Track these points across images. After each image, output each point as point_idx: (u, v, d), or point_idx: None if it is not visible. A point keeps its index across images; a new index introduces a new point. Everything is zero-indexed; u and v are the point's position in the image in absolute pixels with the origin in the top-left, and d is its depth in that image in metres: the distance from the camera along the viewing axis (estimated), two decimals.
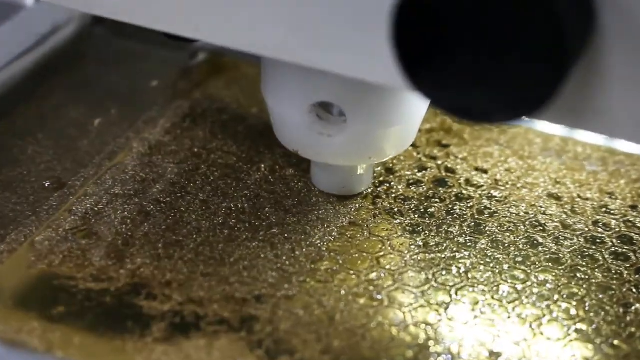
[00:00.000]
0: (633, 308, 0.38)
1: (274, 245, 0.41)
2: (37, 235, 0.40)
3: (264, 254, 0.40)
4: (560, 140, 0.48)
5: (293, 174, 0.44)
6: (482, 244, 0.41)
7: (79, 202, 0.42)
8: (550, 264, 0.40)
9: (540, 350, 0.36)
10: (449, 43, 0.29)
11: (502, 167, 0.46)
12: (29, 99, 0.48)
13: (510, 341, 0.37)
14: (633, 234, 0.41)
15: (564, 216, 0.43)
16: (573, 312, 0.38)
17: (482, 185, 0.45)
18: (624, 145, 0.46)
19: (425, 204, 0.43)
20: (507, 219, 0.42)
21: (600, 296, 0.39)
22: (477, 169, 0.46)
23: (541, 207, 0.43)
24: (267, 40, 0.33)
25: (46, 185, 0.43)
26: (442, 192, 0.44)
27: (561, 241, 0.41)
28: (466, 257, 0.40)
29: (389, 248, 0.41)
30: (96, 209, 0.42)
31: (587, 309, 0.38)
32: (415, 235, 0.41)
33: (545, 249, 0.41)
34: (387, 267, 0.40)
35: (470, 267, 0.40)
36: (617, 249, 0.41)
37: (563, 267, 0.40)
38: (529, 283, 0.39)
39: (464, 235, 0.41)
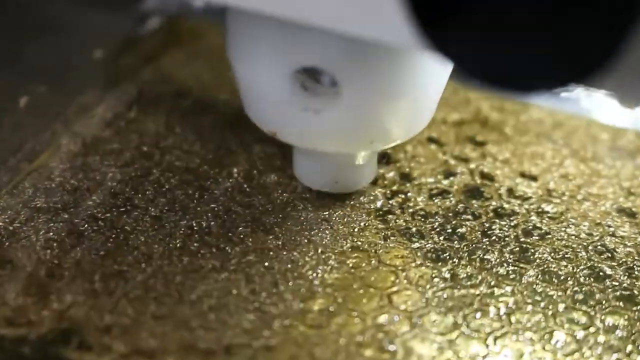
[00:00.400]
0: None
1: (250, 277, 0.39)
2: None
3: (237, 289, 0.38)
4: (635, 136, 0.47)
5: (276, 181, 0.43)
6: (530, 277, 0.39)
7: None
8: (620, 303, 0.39)
9: None
10: None
11: (556, 172, 0.44)
12: None
13: None
14: None
15: None
16: None
17: (530, 197, 0.43)
18: None
19: (454, 222, 0.42)
20: (564, 242, 0.41)
21: None
22: (523, 175, 0.44)
23: (609, 226, 0.42)
24: None
25: None
26: (476, 206, 0.43)
27: (636, 273, 0.40)
28: (508, 293, 0.39)
29: (405, 281, 0.39)
30: (11, 228, 0.41)
31: None
32: (440, 264, 0.40)
33: (614, 283, 0.39)
34: (402, 307, 0.38)
35: (514, 307, 0.38)
36: None
37: (638, 307, 0.39)
38: (592, 329, 0.37)
39: (505, 265, 0.40)
